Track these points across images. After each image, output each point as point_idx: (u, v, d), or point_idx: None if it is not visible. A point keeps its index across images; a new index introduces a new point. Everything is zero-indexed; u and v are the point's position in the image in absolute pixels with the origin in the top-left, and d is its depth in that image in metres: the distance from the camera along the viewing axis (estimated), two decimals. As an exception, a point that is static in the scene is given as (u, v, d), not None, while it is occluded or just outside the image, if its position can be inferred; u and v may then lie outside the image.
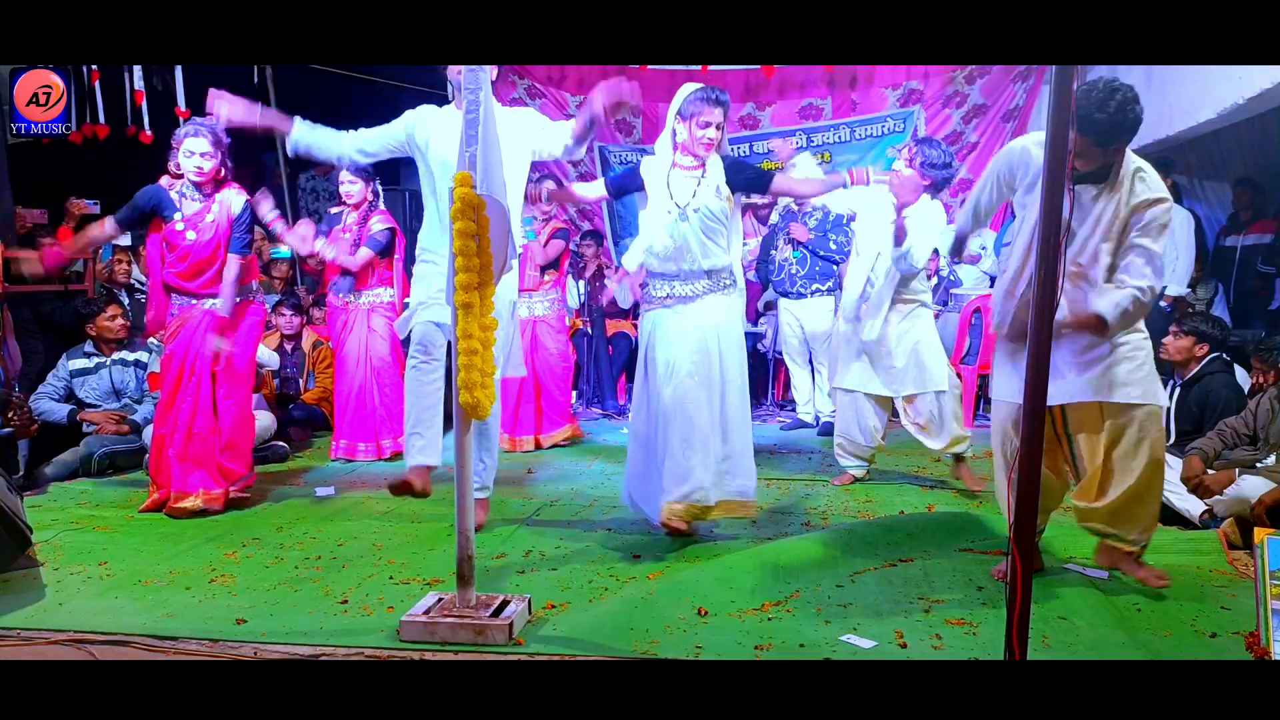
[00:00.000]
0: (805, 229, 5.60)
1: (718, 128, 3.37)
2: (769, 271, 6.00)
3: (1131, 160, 2.73)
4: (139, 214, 3.92)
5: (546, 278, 5.46)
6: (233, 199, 3.91)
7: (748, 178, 3.49)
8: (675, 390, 3.38)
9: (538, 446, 5.36)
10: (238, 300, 3.94)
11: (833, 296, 5.79)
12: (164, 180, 4.01)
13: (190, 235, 3.86)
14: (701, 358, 3.39)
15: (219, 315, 3.87)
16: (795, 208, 5.78)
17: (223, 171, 3.90)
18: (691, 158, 3.42)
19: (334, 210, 5.17)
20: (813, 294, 5.67)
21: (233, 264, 3.89)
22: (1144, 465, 2.79)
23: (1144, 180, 2.72)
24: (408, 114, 3.52)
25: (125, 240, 5.68)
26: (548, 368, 5.41)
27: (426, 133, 3.42)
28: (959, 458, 4.33)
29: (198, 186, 3.88)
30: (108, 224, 3.92)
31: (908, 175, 3.94)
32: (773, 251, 5.84)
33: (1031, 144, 2.83)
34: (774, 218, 6.49)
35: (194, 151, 3.80)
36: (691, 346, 3.40)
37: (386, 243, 4.97)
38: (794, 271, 5.67)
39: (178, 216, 3.87)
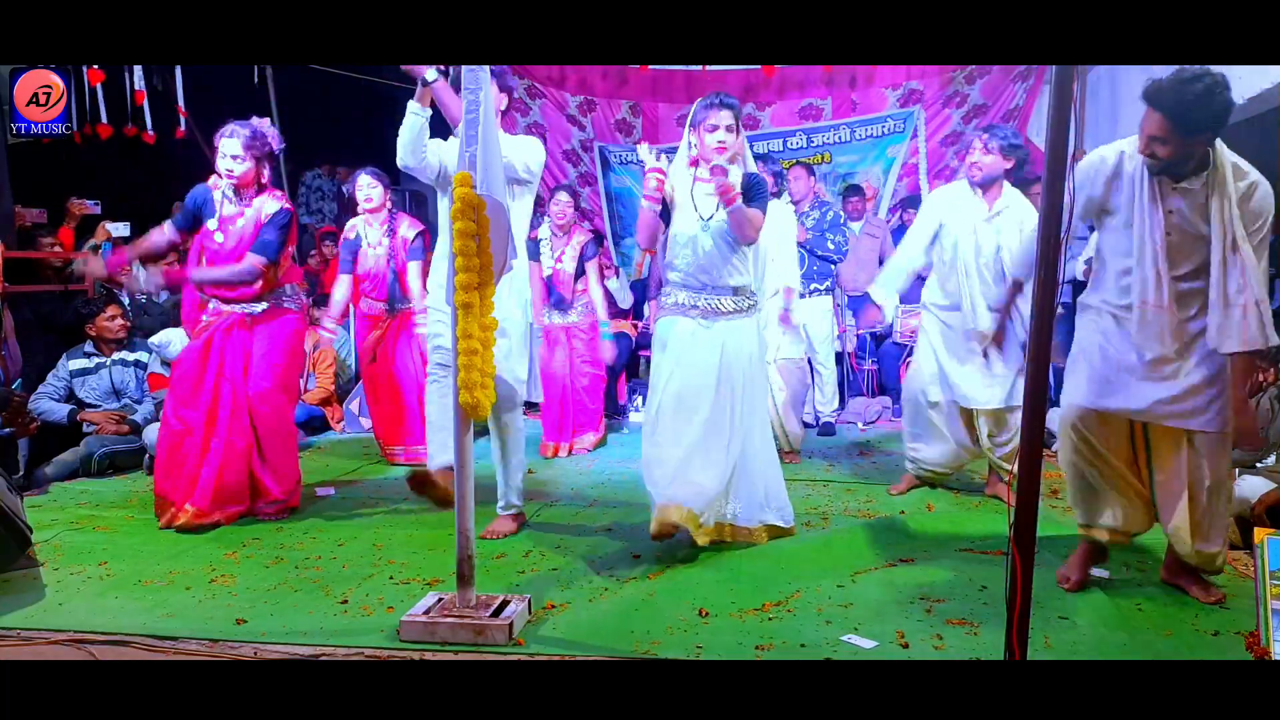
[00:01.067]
0: (803, 229, 5.60)
1: (728, 129, 3.29)
2: None
3: (1227, 154, 2.66)
4: (191, 215, 3.86)
5: (579, 285, 5.37)
6: (267, 204, 3.84)
7: (754, 200, 3.36)
8: (685, 407, 3.33)
9: (554, 454, 5.26)
10: (267, 304, 3.86)
11: (830, 296, 5.79)
12: (212, 180, 3.89)
13: (218, 238, 3.80)
14: (716, 380, 3.35)
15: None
16: (790, 206, 5.77)
17: (262, 179, 3.84)
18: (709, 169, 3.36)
19: (350, 236, 4.96)
20: (810, 293, 5.66)
21: (249, 259, 3.77)
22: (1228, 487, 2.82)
23: (1245, 177, 2.64)
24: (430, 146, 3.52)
25: (124, 230, 5.69)
26: (580, 374, 5.36)
27: (442, 160, 3.43)
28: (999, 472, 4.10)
29: (236, 191, 3.80)
30: (166, 228, 3.86)
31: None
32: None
33: (1106, 152, 2.78)
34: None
35: (226, 153, 3.75)
36: (712, 367, 3.35)
37: (424, 246, 4.83)
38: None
39: (213, 219, 3.82)
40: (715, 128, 3.30)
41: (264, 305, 3.88)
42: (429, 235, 4.91)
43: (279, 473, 3.89)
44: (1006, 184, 3.91)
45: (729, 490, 3.41)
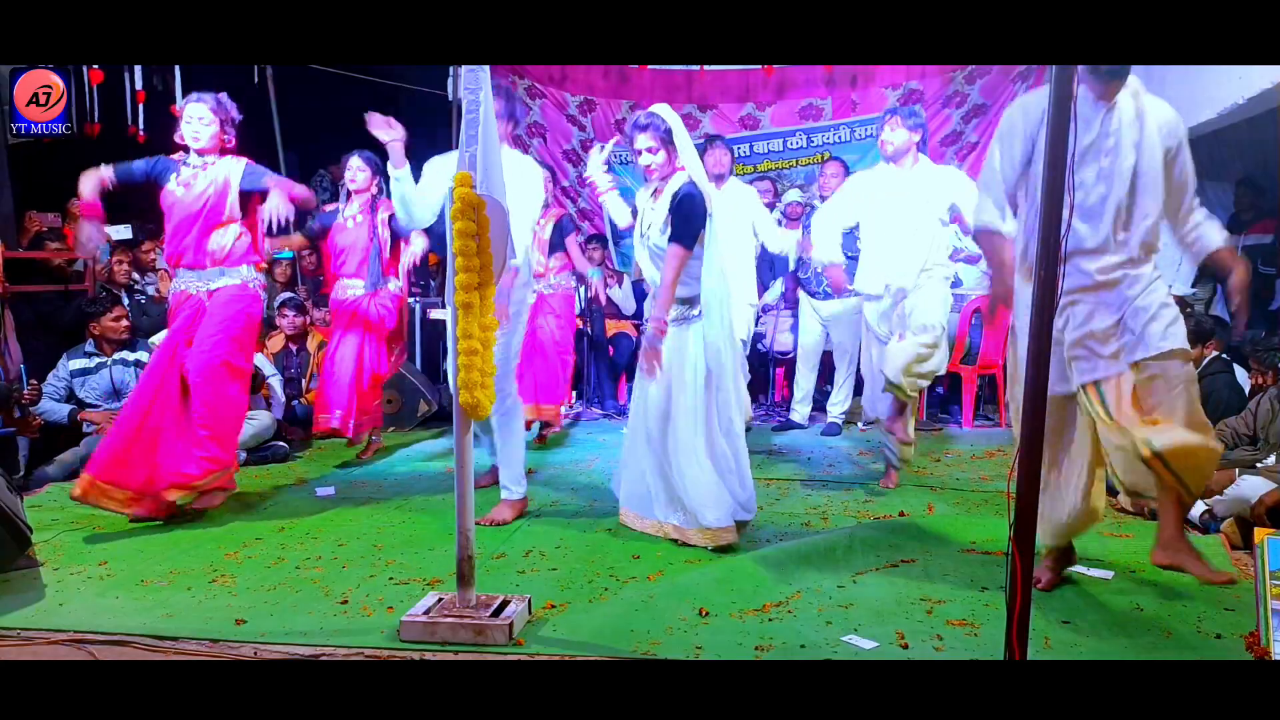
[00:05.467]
0: None
1: (649, 151, 3.40)
2: (771, 275, 6.01)
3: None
4: (138, 173, 3.83)
5: (552, 263, 5.40)
6: (232, 164, 3.85)
7: (673, 233, 3.37)
8: (638, 418, 3.60)
9: (537, 415, 5.32)
10: (224, 282, 3.82)
11: (859, 297, 5.76)
12: (177, 155, 3.90)
13: (179, 192, 3.79)
14: (662, 395, 3.44)
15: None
16: (818, 205, 5.77)
17: (225, 144, 3.86)
18: (654, 185, 3.48)
19: (328, 209, 5.14)
20: (841, 294, 5.63)
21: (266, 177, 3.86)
22: (1189, 407, 2.68)
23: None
24: (431, 167, 3.66)
25: (126, 234, 5.68)
26: (542, 345, 5.36)
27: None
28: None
29: (200, 154, 3.82)
30: (103, 169, 3.79)
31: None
32: (802, 255, 5.85)
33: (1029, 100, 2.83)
34: (775, 215, 6.47)
35: (193, 117, 3.77)
36: (658, 382, 3.46)
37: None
38: (819, 271, 5.66)
39: (173, 178, 3.81)
40: (639, 151, 3.41)
41: (219, 282, 3.83)
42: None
43: (201, 453, 3.72)
44: (922, 155, 4.27)
45: (684, 498, 3.42)
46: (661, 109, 3.46)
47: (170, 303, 3.93)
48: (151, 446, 3.67)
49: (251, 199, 3.91)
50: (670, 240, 3.36)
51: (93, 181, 3.76)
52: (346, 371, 4.90)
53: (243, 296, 3.88)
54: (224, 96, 3.89)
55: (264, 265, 4.04)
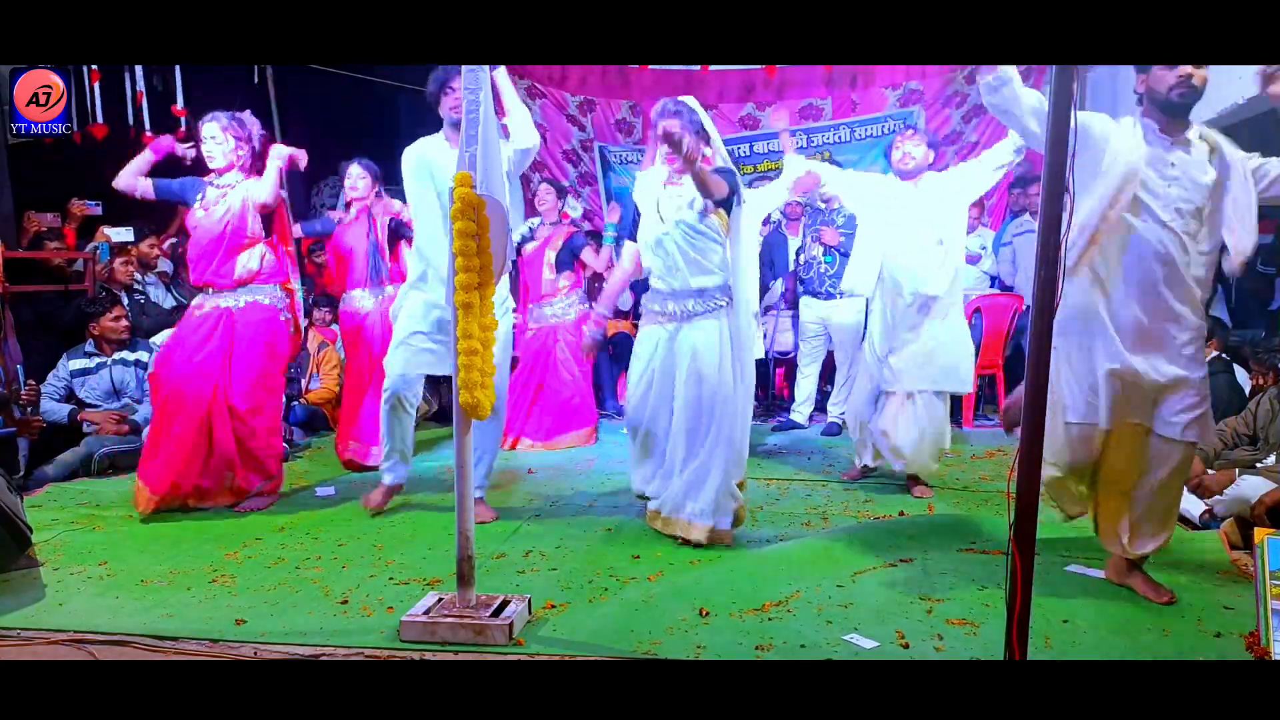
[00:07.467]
0: (835, 231, 5.59)
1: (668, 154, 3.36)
2: (771, 275, 6.00)
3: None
4: (174, 191, 3.97)
5: (563, 282, 5.44)
6: (250, 185, 3.93)
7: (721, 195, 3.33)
8: (644, 412, 3.55)
9: (511, 447, 5.29)
10: (250, 300, 3.94)
11: (863, 296, 5.77)
12: (207, 177, 4.00)
13: (199, 213, 3.91)
14: (681, 385, 3.40)
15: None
16: (821, 206, 5.77)
17: (242, 162, 3.93)
18: (676, 172, 3.43)
19: (333, 214, 5.20)
20: (842, 295, 5.65)
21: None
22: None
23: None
24: (407, 155, 3.72)
25: (128, 236, 5.68)
26: (562, 376, 5.39)
27: (433, 160, 3.60)
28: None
29: (220, 174, 3.92)
30: (146, 180, 3.96)
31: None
32: (800, 254, 5.86)
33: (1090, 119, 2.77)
34: (774, 215, 6.48)
35: (206, 137, 3.87)
36: (672, 374, 3.43)
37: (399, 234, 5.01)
38: (823, 271, 5.67)
39: (198, 200, 3.93)
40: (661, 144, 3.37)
41: (246, 299, 3.94)
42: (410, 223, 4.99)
43: (261, 468, 4.02)
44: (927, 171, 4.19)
45: (690, 490, 3.40)
46: (690, 100, 3.42)
47: (191, 312, 4.02)
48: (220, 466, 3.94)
49: (274, 220, 4.00)
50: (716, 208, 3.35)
51: (140, 167, 3.95)
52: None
53: (271, 316, 4.00)
54: (245, 115, 3.96)
55: (291, 285, 4.11)
